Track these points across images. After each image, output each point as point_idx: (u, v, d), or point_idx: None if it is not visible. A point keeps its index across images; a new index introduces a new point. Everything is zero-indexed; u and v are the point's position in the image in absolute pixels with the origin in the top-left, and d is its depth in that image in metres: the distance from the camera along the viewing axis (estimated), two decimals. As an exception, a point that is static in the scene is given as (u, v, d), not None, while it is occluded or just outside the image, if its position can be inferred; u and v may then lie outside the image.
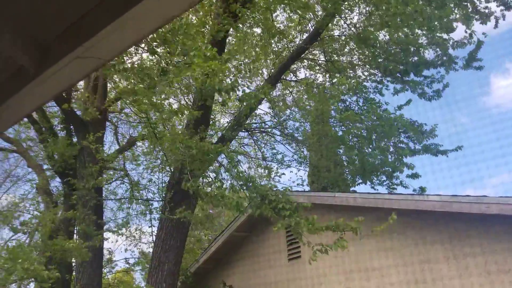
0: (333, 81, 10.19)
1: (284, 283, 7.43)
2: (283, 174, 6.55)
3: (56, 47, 1.08)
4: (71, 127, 8.46)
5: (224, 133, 8.12)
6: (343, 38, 10.57)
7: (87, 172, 6.76)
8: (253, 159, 10.87)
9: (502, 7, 8.37)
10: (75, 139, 8.30)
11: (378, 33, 9.72)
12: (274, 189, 5.70)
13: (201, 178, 6.62)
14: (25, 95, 1.24)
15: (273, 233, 7.93)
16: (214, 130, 9.58)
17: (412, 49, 9.32)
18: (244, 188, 6.17)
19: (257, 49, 10.54)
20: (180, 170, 7.17)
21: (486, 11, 8.57)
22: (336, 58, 11.22)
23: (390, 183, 7.73)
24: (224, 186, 6.47)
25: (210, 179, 6.93)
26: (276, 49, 11.09)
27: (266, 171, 8.41)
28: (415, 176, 7.41)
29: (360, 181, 7.98)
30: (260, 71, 11.80)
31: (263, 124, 10.96)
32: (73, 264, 6.95)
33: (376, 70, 10.15)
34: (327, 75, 11.34)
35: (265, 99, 10.18)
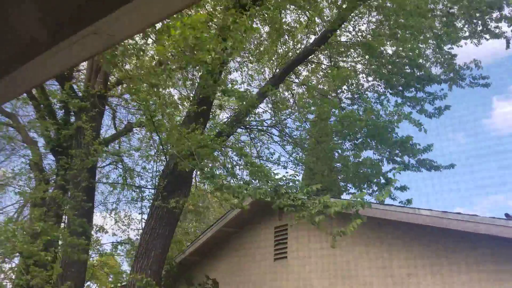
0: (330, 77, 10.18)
1: (268, 281, 7.45)
2: (277, 174, 6.53)
3: (70, 21, 1.07)
4: (70, 107, 8.41)
5: (222, 129, 8.12)
6: (350, 44, 10.59)
7: (78, 153, 6.70)
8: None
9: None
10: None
11: (385, 43, 9.74)
12: (283, 182, 5.72)
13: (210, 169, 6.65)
14: (31, 69, 1.23)
15: (262, 231, 7.95)
16: (213, 124, 9.57)
17: (417, 63, 9.32)
18: (256, 179, 6.19)
19: (261, 49, 10.55)
20: (176, 163, 7.17)
21: (497, 30, 8.61)
22: (341, 64, 11.24)
23: (380, 194, 7.75)
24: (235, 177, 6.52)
25: (219, 171, 6.94)
26: (282, 50, 11.08)
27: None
28: (403, 189, 7.44)
29: (352, 189, 8.01)
30: (263, 70, 11.80)
31: (262, 122, 10.94)
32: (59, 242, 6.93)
33: (379, 81, 10.17)
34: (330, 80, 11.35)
35: (267, 98, 10.19)
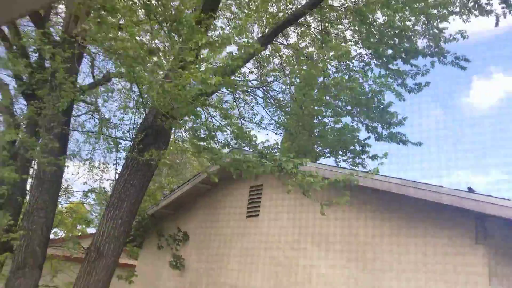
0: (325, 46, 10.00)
1: (239, 236, 7.67)
2: (255, 137, 6.50)
3: None
4: (44, 53, 8.02)
5: (205, 87, 7.92)
6: (342, 10, 10.34)
7: (51, 96, 6.45)
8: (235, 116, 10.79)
9: (503, 5, 8.28)
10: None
11: (376, 11, 9.54)
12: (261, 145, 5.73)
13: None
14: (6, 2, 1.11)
15: (237, 190, 8.06)
16: (195, 80, 9.34)
17: (406, 35, 9.22)
18: (239, 141, 6.16)
19: (251, 6, 10.18)
20: (155, 116, 7.04)
21: (488, 7, 8.51)
22: (331, 30, 11.02)
23: (353, 161, 7.95)
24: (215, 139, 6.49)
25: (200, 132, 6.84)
26: (272, 9, 10.75)
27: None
28: (375, 157, 7.62)
29: (328, 154, 8.10)
30: (251, 27, 11.47)
31: (247, 82, 10.76)
32: (28, 186, 6.85)
33: (366, 50, 10.05)
34: (319, 44, 11.16)
35: (253, 58, 9.98)
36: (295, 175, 5.19)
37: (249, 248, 7.37)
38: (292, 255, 6.68)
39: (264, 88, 10.26)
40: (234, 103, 10.59)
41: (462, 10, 8.97)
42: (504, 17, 8.34)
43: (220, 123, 7.49)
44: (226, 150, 7.30)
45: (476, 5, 8.79)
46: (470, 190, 4.80)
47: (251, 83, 10.82)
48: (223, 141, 6.82)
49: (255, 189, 7.70)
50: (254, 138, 6.20)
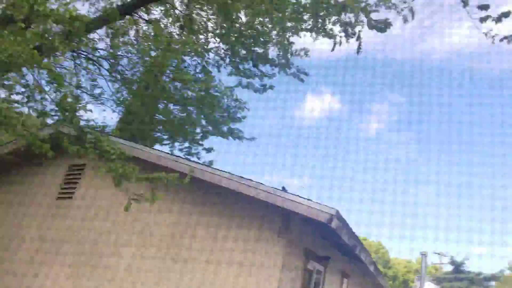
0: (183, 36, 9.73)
1: (41, 220, 6.68)
2: (90, 110, 5.78)
3: None
4: None
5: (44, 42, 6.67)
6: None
7: None
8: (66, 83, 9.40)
9: (343, 33, 9.41)
10: None
11: (240, 11, 9.72)
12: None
13: None
14: None
15: (52, 167, 7.01)
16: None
17: (260, 40, 9.67)
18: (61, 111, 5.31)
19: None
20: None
21: (331, 32, 9.54)
22: (195, 16, 10.77)
23: (189, 152, 7.95)
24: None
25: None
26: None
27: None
28: (210, 150, 7.79)
29: (168, 141, 7.85)
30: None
31: (94, 50, 9.58)
32: None
33: (224, 45, 10.15)
34: (180, 29, 10.79)
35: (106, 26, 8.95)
36: (112, 161, 4.80)
37: (51, 233, 6.49)
38: (100, 244, 6.15)
39: (111, 60, 9.30)
40: (73, 70, 9.29)
41: (313, 28, 9.83)
42: (340, 45, 9.53)
43: (44, 89, 6.38)
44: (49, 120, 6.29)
45: (322, 27, 9.77)
46: (284, 189, 5.19)
47: (99, 52, 9.73)
48: (40, 109, 5.78)
49: (75, 168, 6.84)
50: (84, 111, 5.48)
